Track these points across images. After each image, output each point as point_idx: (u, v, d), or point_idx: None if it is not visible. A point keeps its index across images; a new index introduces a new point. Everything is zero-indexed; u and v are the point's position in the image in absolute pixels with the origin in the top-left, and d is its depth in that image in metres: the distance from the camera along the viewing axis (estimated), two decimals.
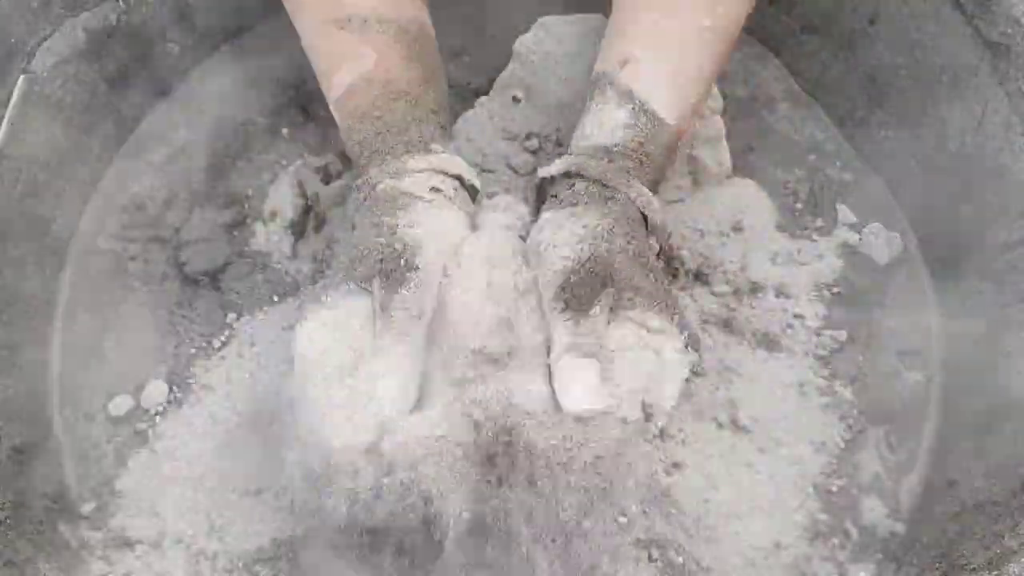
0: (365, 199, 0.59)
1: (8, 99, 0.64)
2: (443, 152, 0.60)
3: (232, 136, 0.77)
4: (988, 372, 0.64)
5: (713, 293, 0.68)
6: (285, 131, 0.78)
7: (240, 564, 0.60)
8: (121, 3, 0.71)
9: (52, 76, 0.67)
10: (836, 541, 0.61)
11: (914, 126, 0.72)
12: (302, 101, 0.79)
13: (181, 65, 0.78)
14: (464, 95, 0.78)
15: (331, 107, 0.64)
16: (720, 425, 0.64)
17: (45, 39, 0.67)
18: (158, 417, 0.65)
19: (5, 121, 0.64)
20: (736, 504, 0.61)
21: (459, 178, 0.61)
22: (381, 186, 0.58)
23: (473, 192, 0.62)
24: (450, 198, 0.59)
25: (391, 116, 0.60)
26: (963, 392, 0.66)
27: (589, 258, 0.53)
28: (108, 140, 0.75)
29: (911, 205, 0.74)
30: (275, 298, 0.70)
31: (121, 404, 0.65)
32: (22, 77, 0.65)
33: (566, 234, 0.55)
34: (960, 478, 0.60)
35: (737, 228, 0.71)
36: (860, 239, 0.73)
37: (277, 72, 0.79)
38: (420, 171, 0.58)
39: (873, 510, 0.63)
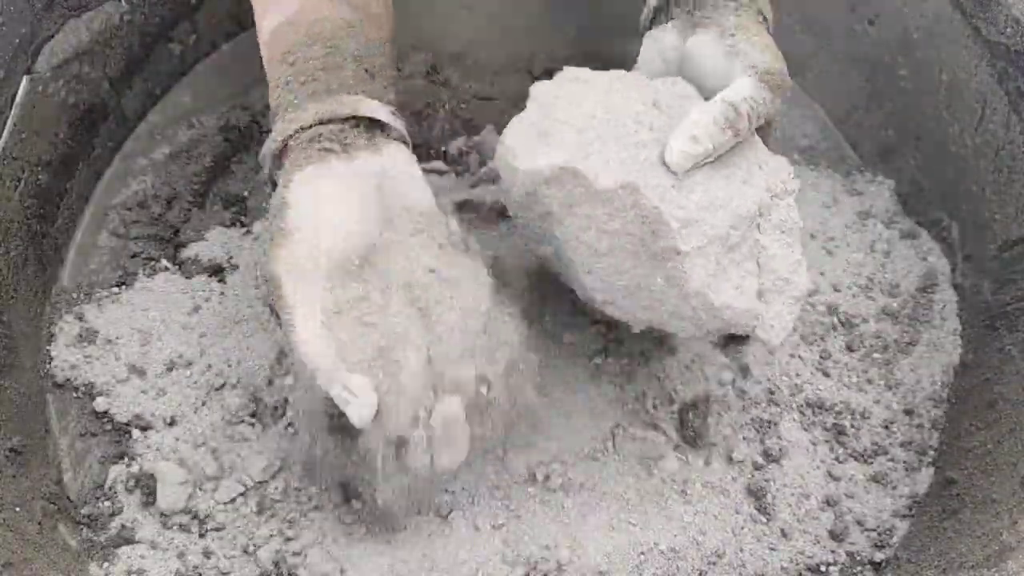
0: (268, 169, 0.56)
1: (12, 99, 0.64)
2: (349, 97, 0.56)
3: (232, 136, 0.77)
4: (988, 370, 0.64)
5: None
6: None
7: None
8: (123, 3, 0.71)
9: (55, 76, 0.68)
10: (837, 539, 0.61)
11: (914, 126, 0.72)
12: None
13: (182, 65, 0.79)
14: (464, 97, 0.79)
15: (263, 59, 0.59)
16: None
17: (49, 39, 0.67)
18: (159, 417, 0.65)
19: (9, 121, 0.64)
20: None
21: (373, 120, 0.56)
22: (269, 146, 0.55)
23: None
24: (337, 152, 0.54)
25: (303, 63, 0.56)
26: (964, 391, 0.65)
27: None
28: (110, 139, 0.75)
29: (911, 204, 0.74)
30: None
31: (121, 403, 0.65)
32: (26, 78, 0.65)
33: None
34: (959, 476, 0.60)
35: None
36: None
37: None
38: (307, 127, 0.54)
39: (874, 507, 0.62)
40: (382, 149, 0.56)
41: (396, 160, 0.56)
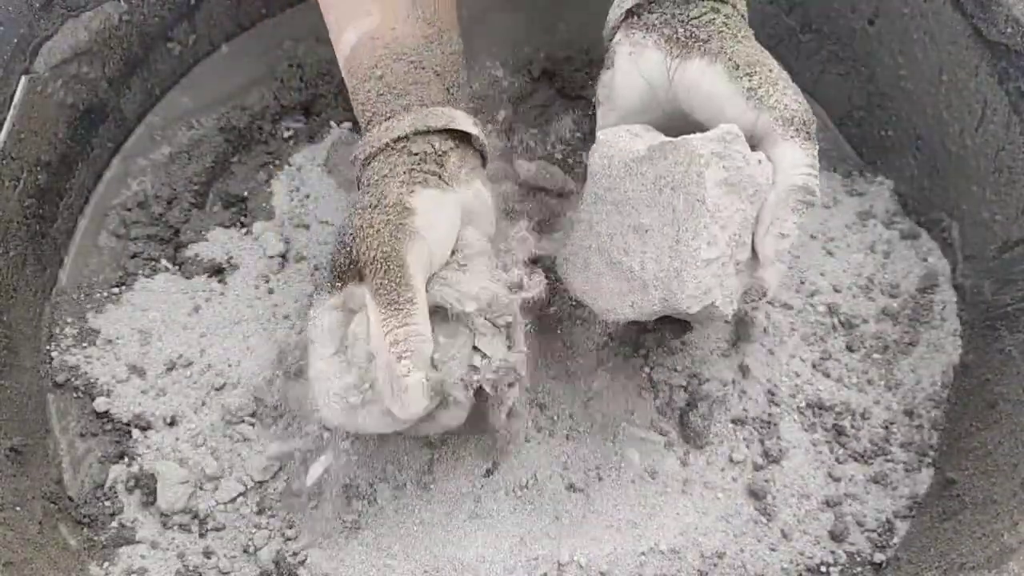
0: (357, 171, 0.58)
1: (11, 99, 0.64)
2: (442, 110, 0.58)
3: (232, 136, 0.77)
4: (988, 371, 0.64)
5: None
6: (286, 131, 0.78)
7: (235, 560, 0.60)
8: (123, 3, 0.71)
9: (54, 76, 0.68)
10: (837, 539, 0.62)
11: (914, 126, 0.72)
12: (303, 101, 0.79)
13: (182, 65, 0.79)
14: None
15: (342, 71, 0.62)
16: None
17: (47, 39, 0.67)
18: (159, 417, 0.65)
19: (7, 122, 0.64)
20: None
21: (465, 135, 0.59)
22: (364, 150, 0.57)
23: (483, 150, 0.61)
24: (435, 172, 0.57)
25: (391, 77, 0.58)
26: (964, 391, 0.65)
27: None
28: (109, 140, 0.75)
29: (911, 204, 0.74)
30: (275, 296, 0.70)
31: (121, 403, 0.65)
32: (24, 78, 0.65)
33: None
34: (960, 477, 0.60)
35: None
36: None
37: (278, 72, 0.79)
38: (404, 136, 0.57)
39: (874, 508, 0.63)
40: (472, 183, 0.58)
41: (479, 196, 0.59)
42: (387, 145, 0.57)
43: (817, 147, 0.53)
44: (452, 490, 0.62)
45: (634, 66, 0.57)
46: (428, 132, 0.57)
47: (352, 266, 0.54)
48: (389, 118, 0.57)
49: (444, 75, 0.60)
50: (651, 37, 0.56)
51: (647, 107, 0.58)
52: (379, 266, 0.52)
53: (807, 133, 0.53)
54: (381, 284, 0.52)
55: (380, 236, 0.53)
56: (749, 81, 0.53)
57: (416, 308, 0.52)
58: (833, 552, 0.61)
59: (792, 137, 0.52)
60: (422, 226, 0.54)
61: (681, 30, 0.55)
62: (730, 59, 0.54)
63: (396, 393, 0.51)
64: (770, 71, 0.54)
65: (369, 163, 0.58)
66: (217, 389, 0.66)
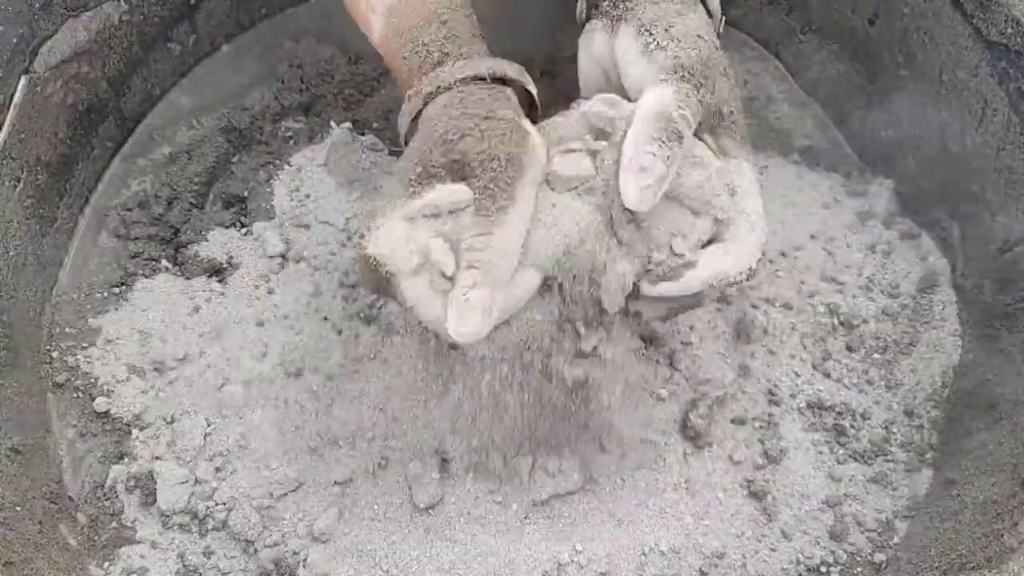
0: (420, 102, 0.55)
1: (10, 99, 0.64)
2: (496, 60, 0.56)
3: (233, 136, 0.77)
4: (988, 371, 0.64)
5: None
6: (286, 131, 0.78)
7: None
8: (122, 3, 0.71)
9: (54, 76, 0.68)
10: (837, 539, 0.62)
11: (914, 126, 0.72)
12: (303, 101, 0.79)
13: (182, 65, 0.79)
14: None
15: (376, 28, 0.59)
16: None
17: (47, 39, 0.67)
18: (159, 417, 0.65)
19: (7, 121, 0.64)
20: None
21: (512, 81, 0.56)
22: (428, 88, 0.54)
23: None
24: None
25: (456, 25, 0.57)
26: (964, 391, 0.66)
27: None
28: (109, 140, 0.75)
29: (911, 204, 0.74)
30: (275, 296, 0.70)
31: (121, 403, 0.65)
32: (24, 78, 0.65)
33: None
34: (959, 477, 0.60)
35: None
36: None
37: (278, 72, 0.79)
38: (481, 77, 0.54)
39: (874, 507, 0.63)
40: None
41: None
42: (465, 80, 0.54)
43: (699, 91, 0.51)
44: (447, 491, 0.62)
45: (588, 52, 0.58)
46: (495, 79, 0.55)
47: (453, 164, 0.51)
48: (461, 59, 0.55)
49: (478, 32, 0.59)
50: (600, 22, 0.57)
51: (604, 91, 0.57)
52: (498, 164, 0.50)
53: (683, 76, 0.51)
54: (492, 180, 0.50)
55: (504, 137, 0.51)
56: (648, 37, 0.53)
57: (507, 220, 0.49)
58: (833, 552, 0.61)
59: (664, 80, 0.51)
60: (538, 147, 0.52)
61: (621, 7, 0.56)
62: (638, 19, 0.54)
63: (454, 304, 0.48)
64: (667, 28, 0.53)
65: (436, 96, 0.55)
66: (217, 389, 0.66)
